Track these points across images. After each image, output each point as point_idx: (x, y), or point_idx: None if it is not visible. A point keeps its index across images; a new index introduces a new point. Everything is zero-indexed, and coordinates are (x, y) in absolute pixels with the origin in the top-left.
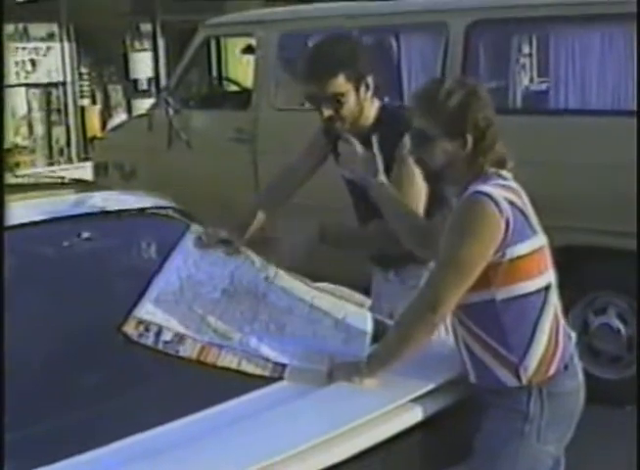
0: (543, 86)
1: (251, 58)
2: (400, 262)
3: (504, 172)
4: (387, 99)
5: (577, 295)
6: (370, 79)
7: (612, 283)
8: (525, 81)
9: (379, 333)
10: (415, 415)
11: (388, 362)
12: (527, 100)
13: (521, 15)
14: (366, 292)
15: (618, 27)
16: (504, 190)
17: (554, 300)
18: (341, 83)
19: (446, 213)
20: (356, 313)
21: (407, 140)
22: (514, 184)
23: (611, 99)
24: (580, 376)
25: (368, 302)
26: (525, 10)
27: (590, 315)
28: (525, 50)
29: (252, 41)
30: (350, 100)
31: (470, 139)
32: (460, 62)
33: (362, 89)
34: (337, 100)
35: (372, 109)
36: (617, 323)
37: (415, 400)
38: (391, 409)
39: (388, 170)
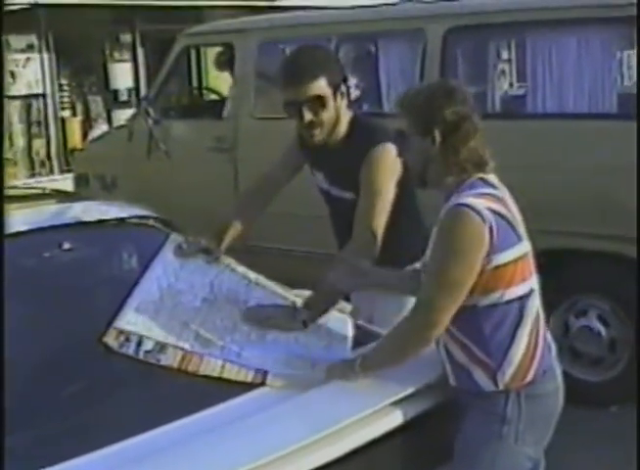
0: (522, 91)
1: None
2: (379, 266)
3: (490, 177)
4: (365, 106)
5: (558, 297)
6: (344, 88)
7: (592, 285)
8: (505, 86)
9: (359, 339)
10: (396, 418)
11: (380, 367)
12: (506, 105)
13: (498, 20)
14: (346, 298)
15: (597, 31)
16: (486, 199)
17: (535, 306)
18: (321, 86)
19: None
20: (337, 319)
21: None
22: (498, 191)
23: (590, 103)
24: (559, 378)
25: (348, 307)
26: (502, 16)
27: (571, 318)
28: (505, 55)
29: (226, 54)
30: (330, 105)
31: (437, 134)
32: (438, 68)
33: (339, 96)
34: (317, 104)
35: (345, 118)
36: (598, 325)
37: (395, 404)
38: (372, 413)
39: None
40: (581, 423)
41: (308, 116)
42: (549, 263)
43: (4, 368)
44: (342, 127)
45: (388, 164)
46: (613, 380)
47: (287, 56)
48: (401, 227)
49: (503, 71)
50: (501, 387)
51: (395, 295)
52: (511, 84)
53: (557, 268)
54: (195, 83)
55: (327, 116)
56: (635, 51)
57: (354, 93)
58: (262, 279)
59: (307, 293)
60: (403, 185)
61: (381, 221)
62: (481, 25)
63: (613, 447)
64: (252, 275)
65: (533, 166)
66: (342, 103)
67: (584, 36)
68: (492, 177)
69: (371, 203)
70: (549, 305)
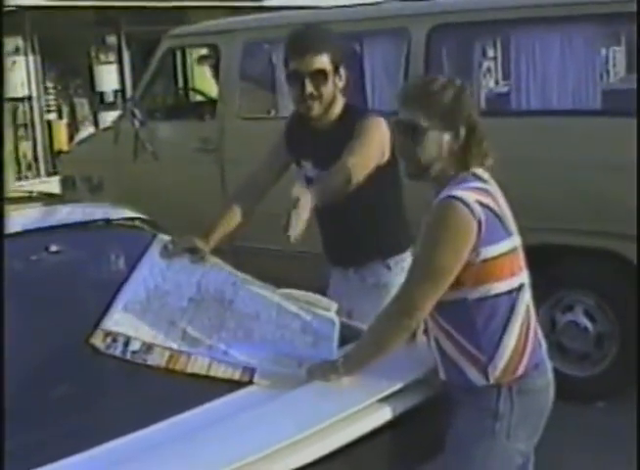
0: (508, 89)
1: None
2: (360, 260)
3: (480, 171)
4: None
5: (545, 293)
6: (342, 70)
7: (579, 281)
8: (490, 84)
9: (346, 336)
10: (384, 414)
11: (363, 363)
12: (492, 102)
13: (482, 18)
14: (323, 294)
15: (582, 29)
16: (476, 192)
17: (526, 300)
18: (325, 61)
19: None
20: (323, 317)
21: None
22: (488, 185)
23: (575, 99)
24: (550, 373)
25: (335, 306)
26: (486, 13)
27: (558, 313)
28: (490, 53)
29: (207, 51)
30: (330, 81)
31: (462, 131)
32: (422, 67)
33: (337, 76)
34: (319, 77)
35: (340, 102)
36: (585, 321)
37: (383, 400)
38: (360, 409)
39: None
40: (568, 418)
41: (310, 88)
42: (535, 259)
43: (4, 368)
44: (337, 109)
45: (381, 131)
46: (599, 375)
47: (294, 31)
48: (382, 216)
49: (488, 69)
50: (492, 381)
51: (374, 290)
52: (496, 82)
53: (543, 264)
54: (180, 84)
55: (326, 91)
56: (620, 48)
57: None
58: (249, 279)
59: (294, 292)
60: (388, 168)
61: (361, 167)
62: (466, 23)
63: (599, 443)
64: (239, 275)
65: (520, 163)
66: (339, 83)
67: (569, 33)
68: (482, 172)
69: (360, 144)
70: (536, 301)
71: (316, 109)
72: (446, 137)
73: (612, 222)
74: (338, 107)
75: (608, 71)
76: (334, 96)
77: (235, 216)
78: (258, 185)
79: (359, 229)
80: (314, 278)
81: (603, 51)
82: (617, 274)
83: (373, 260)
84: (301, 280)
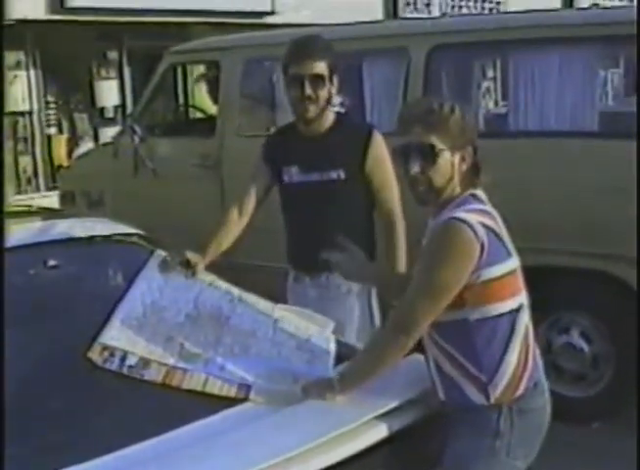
0: (507, 109)
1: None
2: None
3: (479, 193)
4: None
5: (541, 314)
6: (335, 79)
7: (575, 302)
8: (490, 105)
9: (341, 354)
10: (379, 432)
11: (359, 380)
12: (491, 123)
13: (482, 39)
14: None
15: (581, 50)
16: (479, 214)
17: (525, 320)
18: (322, 68)
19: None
20: (319, 335)
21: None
22: (488, 207)
23: (573, 121)
24: (547, 392)
25: (332, 324)
26: (486, 34)
27: (554, 334)
28: (490, 73)
29: (205, 69)
30: (326, 86)
31: (470, 152)
32: (422, 86)
33: (331, 83)
34: (317, 81)
35: (331, 111)
36: (581, 342)
37: (379, 418)
38: (355, 427)
39: (345, 166)
40: (563, 438)
41: (308, 90)
42: (531, 280)
43: (4, 370)
44: (329, 116)
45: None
46: (595, 396)
47: (296, 39)
48: (358, 224)
49: (488, 90)
50: (493, 401)
51: (348, 297)
52: (496, 102)
53: (539, 285)
54: (181, 101)
55: (323, 95)
56: (618, 70)
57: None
58: (246, 295)
59: (291, 308)
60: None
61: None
62: (466, 44)
63: (593, 464)
64: (236, 291)
65: (517, 184)
66: (333, 90)
67: (568, 55)
68: (480, 193)
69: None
70: (532, 322)
71: (312, 111)
72: (457, 159)
73: (608, 244)
74: (330, 114)
75: (606, 93)
76: (327, 101)
77: (229, 233)
78: (248, 202)
79: (335, 235)
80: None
81: (601, 73)
82: (613, 296)
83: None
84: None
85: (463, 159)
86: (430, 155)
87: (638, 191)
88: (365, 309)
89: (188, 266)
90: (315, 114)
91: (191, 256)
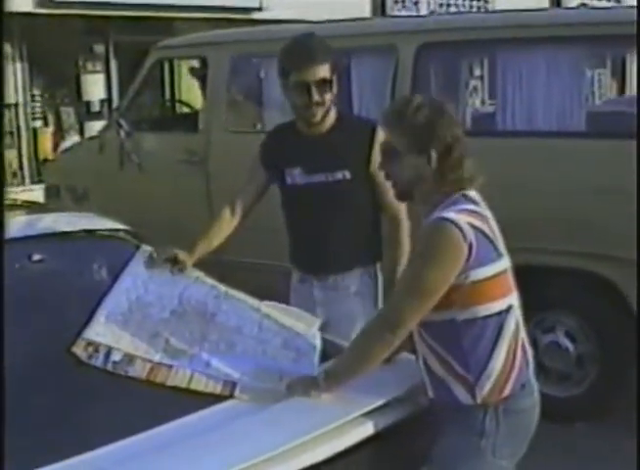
0: (493, 108)
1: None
2: (341, 269)
3: (471, 193)
4: None
5: (526, 314)
6: (335, 79)
7: (560, 302)
8: (477, 103)
9: (327, 352)
10: (366, 429)
11: (345, 378)
12: (478, 122)
13: (470, 37)
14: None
15: (569, 50)
16: (468, 215)
17: (514, 322)
18: (327, 70)
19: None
20: (305, 333)
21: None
22: (479, 207)
23: (560, 121)
24: (536, 393)
25: (318, 321)
26: (474, 32)
27: (539, 334)
28: (477, 72)
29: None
30: (331, 88)
31: (434, 155)
32: (410, 84)
33: (334, 85)
34: (324, 86)
35: (333, 109)
36: (566, 342)
37: (365, 416)
38: (341, 425)
39: (350, 166)
40: (547, 438)
41: (316, 96)
42: (517, 280)
43: (4, 369)
44: (332, 115)
45: None
46: (579, 396)
47: (293, 41)
48: (365, 223)
49: (475, 88)
50: (479, 401)
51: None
52: (483, 101)
53: (525, 284)
54: (167, 96)
55: (329, 98)
56: (605, 70)
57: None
58: (232, 291)
59: (278, 305)
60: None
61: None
62: (454, 42)
63: (577, 463)
64: (222, 288)
65: (503, 183)
66: (334, 90)
67: (556, 55)
68: (474, 194)
69: None
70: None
71: (319, 115)
72: (420, 161)
73: (594, 244)
74: (332, 113)
75: (593, 93)
76: (330, 104)
77: (220, 231)
78: (242, 202)
79: (343, 236)
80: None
81: (588, 73)
82: (599, 296)
83: (354, 268)
84: (285, 295)
85: (428, 161)
86: (390, 155)
87: (638, 193)
88: (372, 311)
89: (175, 263)
90: (320, 118)
91: (178, 252)
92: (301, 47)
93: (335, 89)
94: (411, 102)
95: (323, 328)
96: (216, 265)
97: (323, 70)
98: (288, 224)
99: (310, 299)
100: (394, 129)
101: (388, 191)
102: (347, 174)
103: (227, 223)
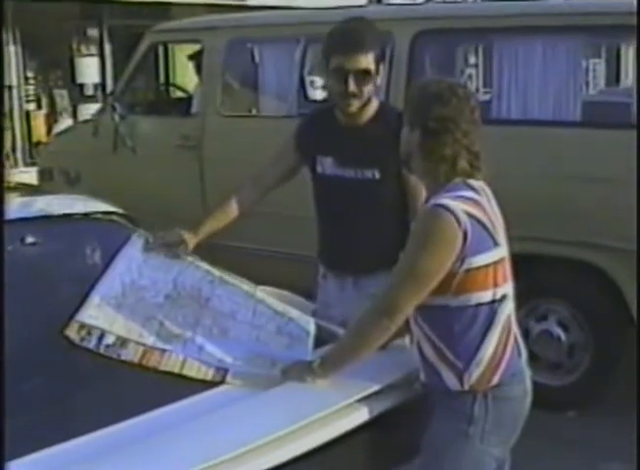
0: (488, 97)
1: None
2: (363, 269)
3: (473, 181)
4: None
5: (518, 302)
6: (381, 69)
7: (552, 291)
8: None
9: (321, 338)
10: (361, 415)
11: (341, 363)
12: None
13: (466, 25)
14: (308, 296)
15: (564, 39)
16: (464, 202)
17: (507, 312)
18: (370, 61)
19: None
20: (299, 318)
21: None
22: (478, 195)
23: (554, 110)
24: (527, 382)
25: (311, 306)
26: (470, 21)
27: (531, 322)
28: (472, 60)
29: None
30: (372, 80)
31: (418, 132)
32: (405, 72)
33: (377, 76)
34: (364, 76)
35: (375, 101)
36: (558, 330)
37: (361, 400)
38: (337, 410)
39: (381, 166)
40: (538, 426)
41: (352, 86)
42: (512, 268)
43: (4, 368)
44: (372, 107)
45: None
46: (571, 385)
47: (341, 23)
48: (392, 223)
49: (470, 76)
50: (467, 387)
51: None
52: (477, 89)
53: (517, 273)
54: (162, 80)
55: (367, 89)
56: (600, 60)
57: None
58: (226, 276)
59: (273, 290)
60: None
61: None
62: (450, 30)
63: (568, 452)
64: (216, 272)
65: (497, 171)
66: (378, 81)
67: (551, 44)
68: (475, 182)
69: None
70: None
71: (355, 106)
72: (412, 136)
73: (587, 233)
74: (373, 105)
75: (587, 83)
76: (370, 96)
77: (231, 212)
78: (262, 185)
79: (366, 237)
80: (294, 278)
81: (583, 62)
82: (592, 285)
83: (375, 270)
84: (280, 280)
85: (417, 138)
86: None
87: (638, 183)
88: None
89: (180, 243)
90: (358, 108)
91: (185, 234)
92: (347, 31)
93: (378, 81)
94: (433, 81)
95: (319, 316)
96: (209, 250)
97: (365, 60)
98: (317, 215)
99: (330, 296)
100: (405, 104)
101: (420, 195)
102: (377, 174)
103: (242, 204)
